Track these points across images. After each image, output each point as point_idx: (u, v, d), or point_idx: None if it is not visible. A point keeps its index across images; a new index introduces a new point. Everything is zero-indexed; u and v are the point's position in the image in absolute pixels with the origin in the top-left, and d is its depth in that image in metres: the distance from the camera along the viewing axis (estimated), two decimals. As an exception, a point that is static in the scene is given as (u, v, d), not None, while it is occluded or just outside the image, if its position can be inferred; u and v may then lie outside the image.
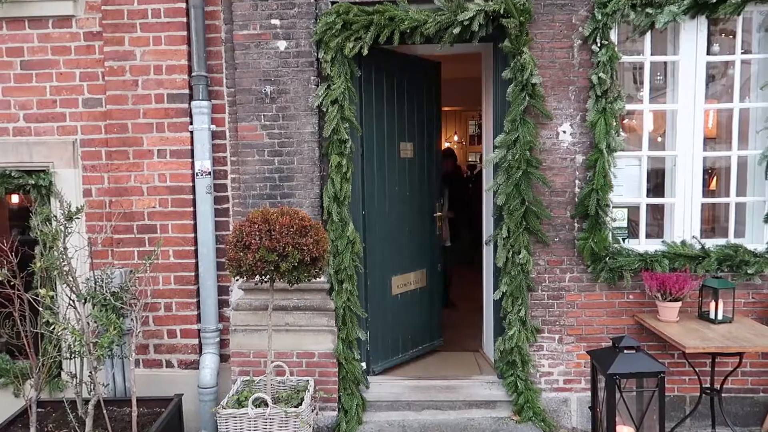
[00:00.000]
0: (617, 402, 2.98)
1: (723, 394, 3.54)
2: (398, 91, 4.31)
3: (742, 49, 3.72)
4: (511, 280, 3.70)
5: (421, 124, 4.57)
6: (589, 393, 3.54)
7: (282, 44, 3.67)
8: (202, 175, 3.79)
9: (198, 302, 3.91)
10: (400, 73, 4.28)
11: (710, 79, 3.95)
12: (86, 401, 3.10)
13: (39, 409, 3.21)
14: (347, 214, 3.73)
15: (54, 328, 2.94)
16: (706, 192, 3.97)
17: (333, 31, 3.58)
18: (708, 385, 3.52)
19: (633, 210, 3.85)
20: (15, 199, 4.11)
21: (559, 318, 3.80)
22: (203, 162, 3.79)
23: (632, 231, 3.88)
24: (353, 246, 3.74)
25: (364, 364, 3.92)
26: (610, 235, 3.70)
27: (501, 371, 3.85)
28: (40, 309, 2.99)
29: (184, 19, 3.76)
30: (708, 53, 3.73)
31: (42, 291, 2.93)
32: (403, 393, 3.91)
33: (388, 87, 4.21)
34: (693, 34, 3.68)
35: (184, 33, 3.77)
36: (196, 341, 3.93)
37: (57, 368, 3.82)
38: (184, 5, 3.76)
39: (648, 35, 3.68)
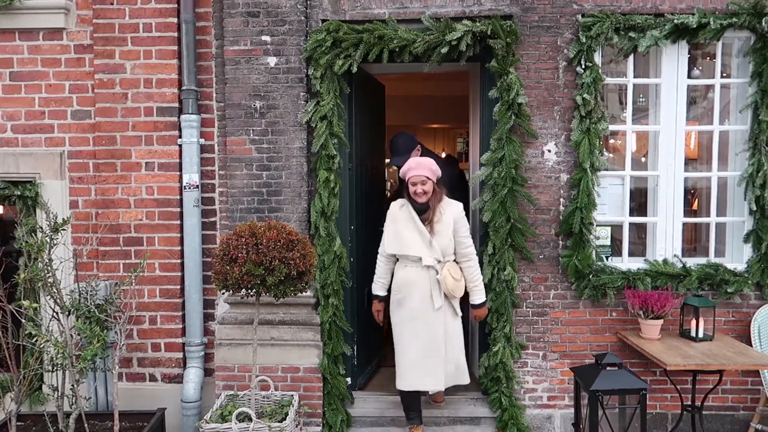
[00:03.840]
0: (600, 419, 3.02)
1: (704, 412, 3.59)
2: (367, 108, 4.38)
3: (722, 73, 3.82)
4: (497, 296, 3.73)
5: (374, 142, 4.68)
6: (572, 410, 3.56)
7: (272, 60, 3.71)
8: (189, 188, 3.80)
9: (183, 315, 3.89)
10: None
11: (691, 101, 4.04)
12: (67, 415, 3.07)
13: (19, 423, 3.18)
14: (334, 229, 3.75)
15: (36, 340, 2.93)
16: (688, 212, 4.04)
17: (323, 49, 3.63)
18: (689, 403, 3.56)
19: (616, 228, 3.91)
20: (0, 209, 4.09)
21: (544, 334, 3.83)
22: (191, 175, 3.80)
23: (615, 249, 3.93)
24: (340, 261, 3.76)
25: (349, 379, 3.91)
26: (594, 252, 3.74)
27: (485, 387, 3.86)
28: (23, 321, 2.97)
29: (176, 34, 3.80)
30: (689, 77, 3.82)
31: (25, 303, 2.91)
32: (387, 409, 3.90)
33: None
34: (674, 58, 3.77)
35: (175, 47, 3.80)
36: (180, 355, 3.91)
37: (38, 381, 3.76)
38: (175, 20, 3.79)
39: (631, 58, 3.77)
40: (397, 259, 3.56)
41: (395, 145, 4.20)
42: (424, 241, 3.41)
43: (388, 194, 5.48)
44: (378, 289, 3.64)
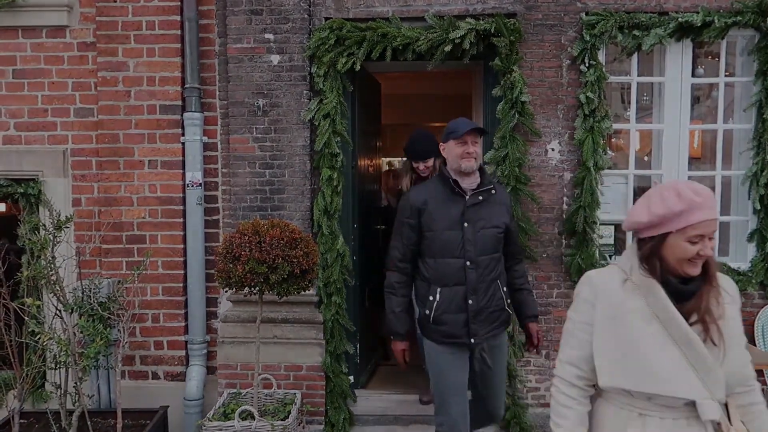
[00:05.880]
0: (603, 418, 2.98)
1: (707, 411, 3.57)
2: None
3: (725, 71, 3.80)
4: (499, 295, 3.72)
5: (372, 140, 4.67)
6: (575, 409, 3.54)
7: (275, 58, 3.71)
8: (192, 186, 3.79)
9: (186, 314, 3.89)
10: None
11: (695, 100, 4.03)
12: (70, 412, 3.07)
13: (22, 420, 3.17)
14: (337, 227, 3.74)
15: (39, 338, 2.93)
16: (691, 211, 4.03)
17: (326, 47, 3.62)
18: (692, 402, 3.54)
19: (620, 227, 3.90)
20: (2, 207, 4.08)
21: (547, 334, 3.81)
22: (194, 173, 3.79)
23: (619, 248, 3.92)
24: (342, 259, 3.75)
25: (351, 378, 3.90)
26: (597, 251, 3.74)
27: (488, 386, 3.85)
28: (26, 318, 2.97)
29: (179, 32, 3.79)
30: (693, 75, 3.81)
31: (28, 300, 2.91)
32: (389, 407, 3.90)
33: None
34: (678, 56, 3.76)
35: (178, 45, 3.79)
36: (183, 353, 3.91)
37: (41, 379, 3.76)
38: (178, 18, 3.79)
39: (635, 57, 3.75)
40: (594, 387, 1.71)
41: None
42: (699, 365, 1.50)
43: (384, 203, 5.07)
44: None
